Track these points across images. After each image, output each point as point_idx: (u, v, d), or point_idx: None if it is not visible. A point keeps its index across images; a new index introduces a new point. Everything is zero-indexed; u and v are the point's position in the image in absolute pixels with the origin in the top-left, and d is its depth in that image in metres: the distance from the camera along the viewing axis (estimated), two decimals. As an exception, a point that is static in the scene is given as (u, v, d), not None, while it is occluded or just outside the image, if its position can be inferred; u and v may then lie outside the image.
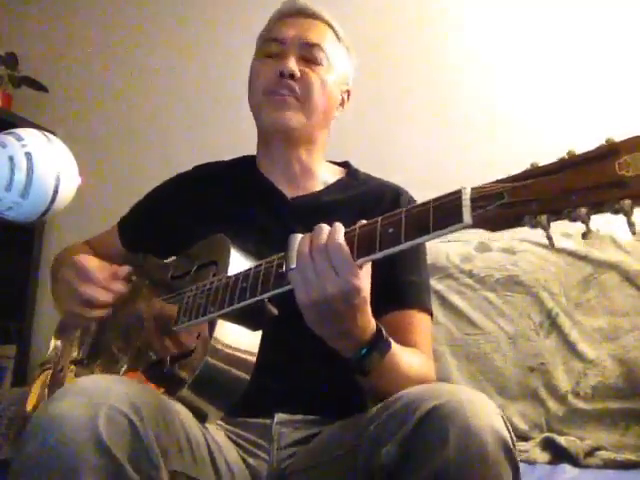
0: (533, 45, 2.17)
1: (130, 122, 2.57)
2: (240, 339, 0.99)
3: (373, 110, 2.24)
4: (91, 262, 1.13)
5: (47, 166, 1.15)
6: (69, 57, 2.68)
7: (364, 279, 0.87)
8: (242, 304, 0.96)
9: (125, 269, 1.14)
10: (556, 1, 2.16)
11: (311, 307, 0.87)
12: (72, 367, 1.22)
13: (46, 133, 1.21)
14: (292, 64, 1.20)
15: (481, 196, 0.77)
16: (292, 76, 1.19)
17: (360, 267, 0.86)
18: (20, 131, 1.18)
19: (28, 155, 1.13)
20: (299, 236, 0.90)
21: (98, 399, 0.78)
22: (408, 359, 1.03)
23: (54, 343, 1.34)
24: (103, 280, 1.10)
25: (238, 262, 1.04)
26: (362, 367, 0.93)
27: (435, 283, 1.77)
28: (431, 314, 1.20)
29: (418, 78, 2.27)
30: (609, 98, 2.03)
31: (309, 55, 1.22)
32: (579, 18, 2.13)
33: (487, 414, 0.80)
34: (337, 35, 1.28)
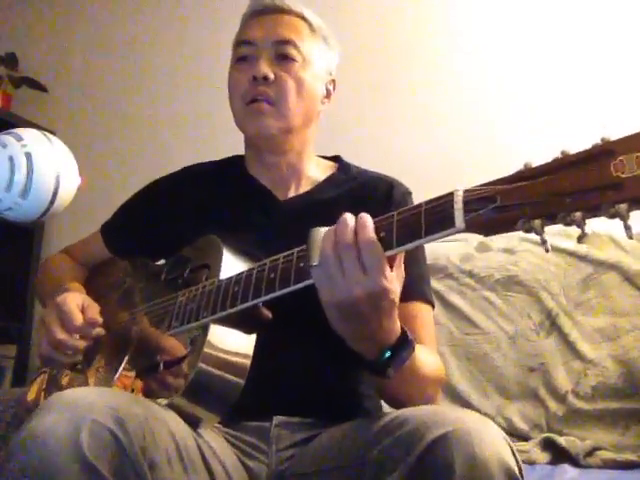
0: (528, 42, 2.16)
1: (130, 122, 2.57)
2: (234, 344, 0.98)
3: (368, 108, 2.24)
4: (72, 303, 1.10)
5: (47, 166, 1.15)
6: (69, 57, 2.69)
7: (393, 281, 0.84)
8: (235, 309, 0.95)
9: (98, 317, 1.11)
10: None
11: (334, 307, 0.84)
12: (68, 371, 1.21)
13: (46, 133, 1.21)
14: (264, 67, 1.16)
15: (473, 199, 0.75)
16: (266, 79, 1.15)
17: (391, 268, 0.83)
18: (20, 131, 1.18)
19: (28, 155, 1.13)
20: (322, 230, 0.85)
21: (81, 414, 0.77)
22: (425, 359, 1.00)
23: None
24: (80, 327, 1.08)
25: (230, 265, 1.02)
26: (383, 371, 0.89)
27: (435, 283, 1.76)
28: (433, 306, 1.18)
29: (414, 76, 2.26)
30: (604, 95, 2.03)
31: (281, 53, 1.18)
32: (574, 14, 2.12)
33: (494, 443, 0.78)
34: (311, 26, 1.22)
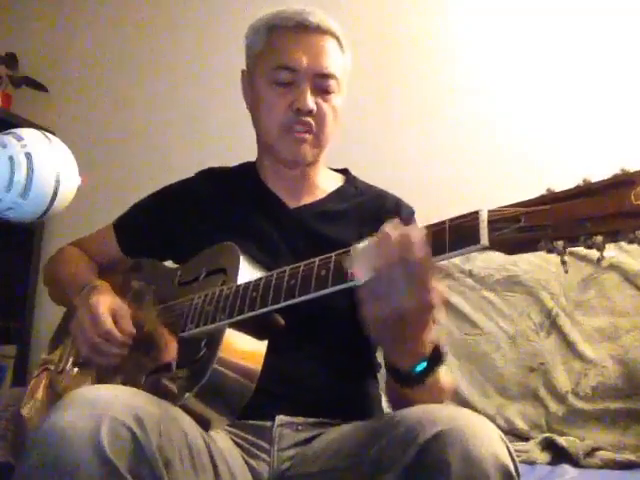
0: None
1: (130, 122, 2.57)
2: (247, 348, 0.99)
3: (370, 116, 2.24)
4: (105, 306, 1.10)
5: (47, 166, 1.14)
6: (69, 57, 2.68)
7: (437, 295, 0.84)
8: (252, 313, 0.96)
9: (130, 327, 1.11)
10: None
11: (381, 321, 0.84)
12: (73, 370, 1.21)
13: (46, 133, 1.21)
14: (310, 101, 1.17)
15: (498, 219, 0.78)
16: (310, 112, 1.17)
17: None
18: (20, 131, 1.18)
19: (28, 155, 1.13)
20: (362, 246, 0.86)
21: (100, 411, 0.78)
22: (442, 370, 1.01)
23: (49, 347, 1.33)
24: (114, 332, 1.07)
25: (247, 271, 1.04)
26: (416, 379, 0.90)
27: (435, 283, 1.77)
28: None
29: (424, 93, 2.26)
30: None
31: (323, 86, 1.19)
32: (575, 15, 2.12)
33: (489, 441, 0.79)
34: (340, 44, 1.23)
